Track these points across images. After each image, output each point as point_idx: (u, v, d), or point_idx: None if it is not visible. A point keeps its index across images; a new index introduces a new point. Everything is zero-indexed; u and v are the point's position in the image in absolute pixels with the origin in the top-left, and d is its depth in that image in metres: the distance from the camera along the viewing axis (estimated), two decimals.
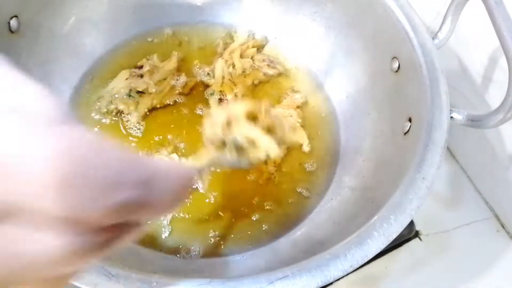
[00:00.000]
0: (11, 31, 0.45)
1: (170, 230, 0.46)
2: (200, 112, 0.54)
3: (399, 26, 0.47)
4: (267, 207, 0.49)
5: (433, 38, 0.46)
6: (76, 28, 0.53)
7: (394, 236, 0.34)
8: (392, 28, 0.48)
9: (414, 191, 0.36)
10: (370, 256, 0.33)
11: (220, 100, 0.55)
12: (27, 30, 0.46)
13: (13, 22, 0.44)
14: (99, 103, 0.52)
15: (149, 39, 0.59)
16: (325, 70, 0.59)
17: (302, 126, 0.54)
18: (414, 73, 0.45)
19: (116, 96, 0.52)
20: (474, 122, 0.41)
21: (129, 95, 0.52)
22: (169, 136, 0.52)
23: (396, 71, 0.48)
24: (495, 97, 0.53)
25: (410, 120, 0.44)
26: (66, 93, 0.52)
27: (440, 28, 0.46)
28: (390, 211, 0.35)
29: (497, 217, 0.59)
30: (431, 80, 0.43)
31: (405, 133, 0.45)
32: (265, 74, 0.58)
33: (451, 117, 0.42)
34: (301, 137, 0.54)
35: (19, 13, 0.45)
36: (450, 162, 0.63)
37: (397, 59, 0.48)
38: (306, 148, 0.53)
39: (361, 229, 0.34)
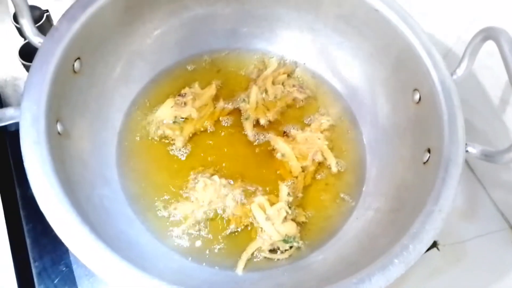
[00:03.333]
0: (75, 72, 0.50)
1: (214, 246, 0.53)
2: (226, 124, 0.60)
3: (421, 61, 0.51)
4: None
5: (451, 75, 0.50)
6: (126, 61, 0.59)
7: (413, 263, 0.39)
8: (414, 62, 0.52)
9: (431, 222, 0.42)
10: (391, 281, 0.39)
11: (256, 123, 0.60)
12: (87, 68, 0.52)
13: (77, 64, 0.50)
14: (148, 129, 0.59)
15: (189, 67, 0.64)
16: (351, 95, 0.63)
17: (330, 148, 0.59)
18: (434, 107, 0.49)
19: (164, 122, 0.58)
20: (488, 157, 0.45)
21: (174, 121, 0.58)
22: (210, 159, 0.58)
23: (418, 103, 0.53)
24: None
25: (429, 151, 0.49)
26: (119, 121, 0.59)
27: (459, 65, 0.50)
28: (409, 240, 0.41)
29: None
30: (449, 115, 0.47)
31: (424, 163, 0.49)
32: (294, 98, 0.63)
33: (467, 151, 0.46)
34: (329, 159, 0.59)
35: (81, 56, 0.51)
36: (468, 174, 0.66)
37: (418, 91, 0.53)
38: (334, 169, 0.58)
39: (383, 256, 0.40)
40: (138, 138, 0.59)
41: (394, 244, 0.41)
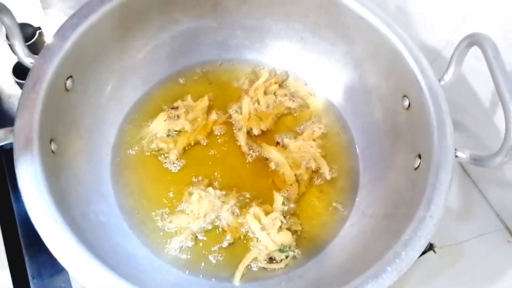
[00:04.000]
0: (67, 90, 0.51)
1: (211, 258, 0.53)
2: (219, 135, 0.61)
3: (408, 68, 0.52)
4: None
5: (439, 80, 0.50)
6: (119, 77, 0.60)
7: (405, 270, 0.40)
8: (402, 69, 0.53)
9: (423, 228, 0.42)
10: None
11: (248, 133, 0.61)
12: (79, 86, 0.53)
13: (69, 82, 0.50)
14: (142, 143, 0.59)
15: (181, 80, 0.65)
16: (343, 102, 0.64)
17: (323, 156, 0.60)
18: (423, 113, 0.49)
19: (158, 136, 0.59)
20: (477, 161, 0.46)
21: (168, 135, 0.59)
22: (204, 170, 0.58)
23: (407, 109, 0.53)
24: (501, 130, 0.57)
25: (419, 156, 0.49)
26: (112, 136, 0.59)
27: (446, 70, 0.51)
28: (402, 248, 0.41)
29: (507, 229, 0.63)
30: (438, 121, 0.48)
31: (415, 168, 0.50)
32: (287, 108, 0.64)
33: (456, 156, 0.47)
34: (322, 166, 0.59)
35: (73, 74, 0.51)
36: (462, 176, 0.67)
37: (407, 97, 0.53)
38: (327, 176, 0.59)
39: (376, 264, 0.40)
40: (132, 153, 0.59)
41: (387, 251, 0.41)
